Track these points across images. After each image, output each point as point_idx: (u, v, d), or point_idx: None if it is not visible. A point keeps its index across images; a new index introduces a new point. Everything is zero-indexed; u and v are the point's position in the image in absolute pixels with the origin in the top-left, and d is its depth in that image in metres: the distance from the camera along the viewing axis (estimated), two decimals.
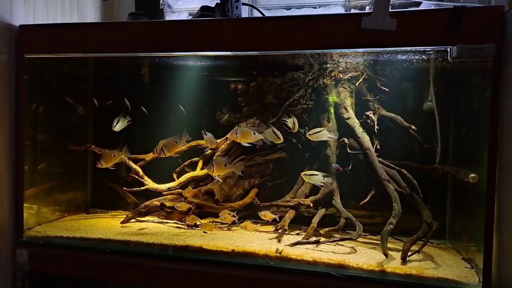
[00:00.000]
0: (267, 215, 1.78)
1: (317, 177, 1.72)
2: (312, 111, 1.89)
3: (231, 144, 1.96)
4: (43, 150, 1.91)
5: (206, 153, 2.03)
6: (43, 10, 1.82)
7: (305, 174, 1.74)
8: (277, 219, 1.79)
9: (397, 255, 1.52)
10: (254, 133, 1.68)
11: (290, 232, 1.78)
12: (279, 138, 1.73)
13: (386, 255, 1.48)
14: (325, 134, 1.71)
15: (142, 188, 1.95)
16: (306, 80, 1.89)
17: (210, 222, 1.84)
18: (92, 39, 1.63)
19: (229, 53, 1.60)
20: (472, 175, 1.45)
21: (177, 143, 1.77)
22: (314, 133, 1.71)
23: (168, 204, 1.92)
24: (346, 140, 1.82)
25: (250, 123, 1.95)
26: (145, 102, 2.09)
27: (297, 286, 1.45)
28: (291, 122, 1.71)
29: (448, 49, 1.36)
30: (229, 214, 1.81)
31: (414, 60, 1.68)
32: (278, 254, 1.51)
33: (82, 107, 2.01)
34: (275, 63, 1.95)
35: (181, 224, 1.90)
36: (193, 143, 2.01)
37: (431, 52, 1.57)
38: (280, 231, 1.72)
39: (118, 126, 1.93)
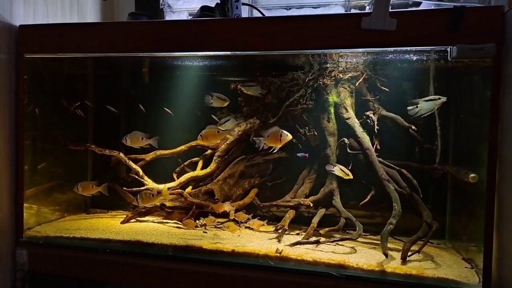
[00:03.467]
0: (255, 223, 1.82)
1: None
2: (312, 111, 1.89)
3: (231, 144, 1.96)
4: (43, 150, 1.91)
5: (206, 153, 2.03)
6: (43, 10, 1.82)
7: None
8: (265, 224, 1.81)
9: (397, 255, 1.52)
10: (218, 132, 1.71)
11: (290, 232, 1.78)
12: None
13: (386, 255, 1.48)
14: (257, 90, 1.76)
15: (142, 188, 1.95)
16: (306, 80, 1.89)
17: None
18: (92, 39, 1.63)
19: (229, 53, 1.60)
20: (472, 175, 1.45)
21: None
22: (248, 86, 1.77)
23: (168, 204, 1.92)
24: (346, 140, 1.82)
25: (250, 123, 1.95)
26: (145, 101, 2.09)
27: (297, 286, 1.45)
28: (338, 170, 1.70)
29: (448, 49, 1.36)
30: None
31: (414, 60, 1.68)
32: (278, 254, 1.51)
33: (81, 107, 2.01)
34: (275, 63, 1.95)
35: (181, 224, 1.90)
36: (193, 143, 2.02)
37: (431, 52, 1.56)
38: (280, 231, 1.72)
39: (228, 124, 1.84)
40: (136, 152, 2.04)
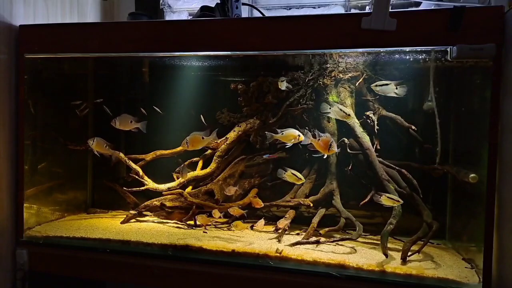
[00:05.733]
0: (282, 222, 1.76)
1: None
2: (312, 111, 1.89)
3: (231, 144, 1.96)
4: (43, 150, 1.91)
5: (206, 153, 2.03)
6: (43, 10, 1.82)
7: (376, 85, 1.68)
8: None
9: (397, 255, 1.52)
10: (203, 138, 1.75)
11: (290, 232, 1.78)
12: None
13: (386, 255, 1.48)
14: (284, 84, 1.78)
15: (142, 188, 1.95)
16: (306, 80, 1.89)
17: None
18: (92, 39, 1.63)
19: (229, 53, 1.60)
20: (472, 175, 1.45)
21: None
22: (280, 80, 1.78)
23: (168, 204, 1.92)
24: (346, 140, 1.82)
25: (250, 123, 1.95)
26: (145, 102, 2.09)
27: (297, 286, 1.45)
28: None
29: (448, 49, 1.36)
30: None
31: (414, 60, 1.68)
32: (278, 254, 1.51)
33: (85, 109, 2.02)
34: (275, 63, 1.95)
35: (181, 224, 1.91)
36: None
37: (431, 52, 1.56)
38: (280, 231, 1.72)
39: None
40: (136, 151, 2.05)
